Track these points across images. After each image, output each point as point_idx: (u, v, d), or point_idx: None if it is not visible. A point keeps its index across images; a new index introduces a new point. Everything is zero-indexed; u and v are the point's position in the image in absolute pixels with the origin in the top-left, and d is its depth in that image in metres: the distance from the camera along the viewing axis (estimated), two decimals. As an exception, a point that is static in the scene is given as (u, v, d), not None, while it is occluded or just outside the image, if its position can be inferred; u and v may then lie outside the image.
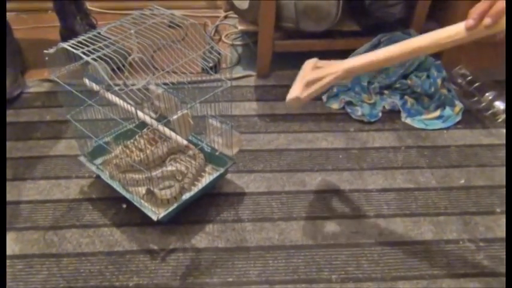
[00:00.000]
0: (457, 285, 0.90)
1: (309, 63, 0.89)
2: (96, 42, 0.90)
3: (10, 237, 0.98)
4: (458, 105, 1.33)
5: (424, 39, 0.80)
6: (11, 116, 1.31)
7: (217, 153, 1.06)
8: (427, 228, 1.01)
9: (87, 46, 0.88)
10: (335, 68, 0.86)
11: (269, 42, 1.42)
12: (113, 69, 0.88)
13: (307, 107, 1.36)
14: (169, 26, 0.99)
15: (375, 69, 0.83)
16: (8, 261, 0.94)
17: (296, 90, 0.85)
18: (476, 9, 0.75)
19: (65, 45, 0.88)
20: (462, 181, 1.12)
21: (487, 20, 0.73)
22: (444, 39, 0.79)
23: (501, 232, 1.00)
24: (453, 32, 0.78)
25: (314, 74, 0.86)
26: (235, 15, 1.66)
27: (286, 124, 1.29)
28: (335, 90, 1.39)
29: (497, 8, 0.73)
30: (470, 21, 0.75)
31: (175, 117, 0.90)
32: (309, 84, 0.86)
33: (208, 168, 1.10)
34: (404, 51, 0.82)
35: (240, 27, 1.52)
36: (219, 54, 0.92)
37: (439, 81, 1.34)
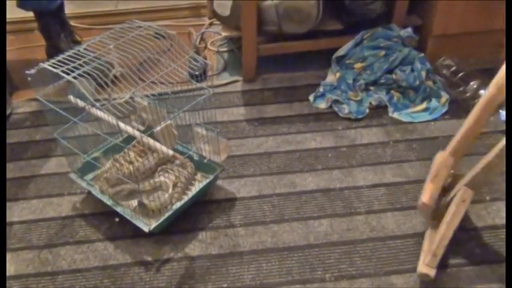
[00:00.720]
0: (450, 275, 0.90)
1: (439, 156, 0.98)
2: (77, 60, 0.91)
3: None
4: (444, 96, 1.33)
5: (486, 93, 0.91)
6: (1, 137, 1.32)
7: (205, 161, 1.07)
8: (418, 220, 1.01)
9: (68, 64, 0.89)
10: (441, 157, 0.97)
11: (253, 46, 1.43)
12: (99, 84, 0.89)
13: (295, 108, 1.37)
14: (156, 37, 0.99)
15: (471, 138, 0.96)
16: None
17: (424, 195, 0.94)
18: None
19: (45, 65, 0.89)
20: (451, 171, 1.13)
21: None
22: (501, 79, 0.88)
23: (491, 220, 1.00)
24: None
25: (433, 171, 0.97)
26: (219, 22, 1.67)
27: (275, 127, 1.30)
28: (321, 89, 1.40)
29: None
30: None
31: (158, 128, 0.90)
32: (432, 181, 0.96)
33: (198, 176, 1.11)
34: (481, 111, 0.91)
35: (224, 34, 1.53)
36: (198, 62, 0.94)
37: (423, 73, 1.35)
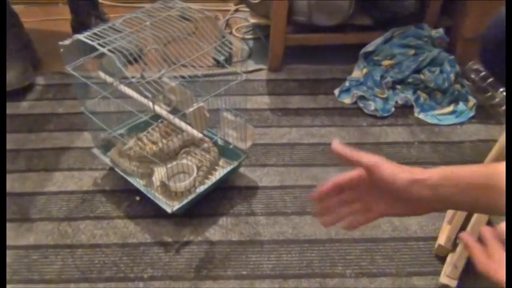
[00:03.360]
0: (472, 281, 0.89)
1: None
2: (111, 34, 0.89)
3: (25, 227, 0.99)
4: (472, 101, 1.31)
5: None
6: (23, 108, 1.32)
7: (230, 147, 1.06)
8: (442, 223, 1.00)
9: (102, 38, 0.87)
10: None
11: (281, 36, 1.41)
12: (134, 59, 0.87)
13: (320, 101, 1.35)
14: (183, 19, 0.98)
15: None
16: (23, 251, 0.95)
17: (441, 237, 0.92)
18: None
19: (80, 37, 0.88)
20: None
21: None
22: None
23: (516, 228, 0.99)
24: None
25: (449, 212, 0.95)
26: (246, 9, 1.65)
27: (298, 118, 1.29)
28: (347, 84, 1.38)
29: None
30: None
31: (191, 110, 0.89)
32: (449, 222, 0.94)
33: (221, 162, 1.10)
34: None
35: (252, 21, 1.51)
36: (231, 48, 0.92)
37: (452, 76, 1.33)
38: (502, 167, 0.50)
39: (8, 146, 1.19)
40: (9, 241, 0.96)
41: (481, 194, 0.50)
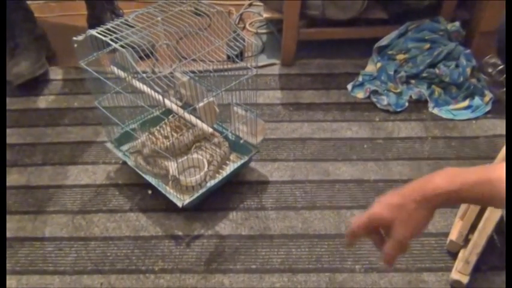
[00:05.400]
0: (484, 279, 0.88)
1: None
2: (124, 30, 0.90)
3: (40, 220, 1.01)
4: (488, 95, 1.29)
5: None
6: (39, 102, 1.34)
7: (241, 142, 1.06)
8: (454, 219, 0.99)
9: (115, 33, 0.89)
10: None
11: (294, 30, 1.40)
12: (140, 57, 0.88)
13: (332, 96, 1.34)
14: (195, 14, 0.99)
15: None
16: (38, 243, 0.97)
17: (452, 233, 0.92)
18: None
19: (93, 32, 0.90)
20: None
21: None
22: None
23: (531, 226, 0.97)
24: None
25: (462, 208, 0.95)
26: (260, 3, 1.65)
27: (310, 113, 1.28)
28: (360, 79, 1.37)
29: None
30: None
31: (201, 104, 0.90)
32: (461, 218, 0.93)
33: (232, 157, 1.11)
34: None
35: (265, 15, 1.51)
36: (244, 41, 0.92)
37: (468, 70, 1.30)
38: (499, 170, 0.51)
39: (26, 140, 1.21)
40: (25, 233, 0.99)
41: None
